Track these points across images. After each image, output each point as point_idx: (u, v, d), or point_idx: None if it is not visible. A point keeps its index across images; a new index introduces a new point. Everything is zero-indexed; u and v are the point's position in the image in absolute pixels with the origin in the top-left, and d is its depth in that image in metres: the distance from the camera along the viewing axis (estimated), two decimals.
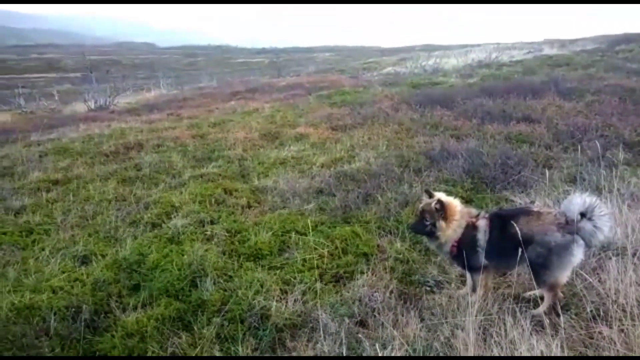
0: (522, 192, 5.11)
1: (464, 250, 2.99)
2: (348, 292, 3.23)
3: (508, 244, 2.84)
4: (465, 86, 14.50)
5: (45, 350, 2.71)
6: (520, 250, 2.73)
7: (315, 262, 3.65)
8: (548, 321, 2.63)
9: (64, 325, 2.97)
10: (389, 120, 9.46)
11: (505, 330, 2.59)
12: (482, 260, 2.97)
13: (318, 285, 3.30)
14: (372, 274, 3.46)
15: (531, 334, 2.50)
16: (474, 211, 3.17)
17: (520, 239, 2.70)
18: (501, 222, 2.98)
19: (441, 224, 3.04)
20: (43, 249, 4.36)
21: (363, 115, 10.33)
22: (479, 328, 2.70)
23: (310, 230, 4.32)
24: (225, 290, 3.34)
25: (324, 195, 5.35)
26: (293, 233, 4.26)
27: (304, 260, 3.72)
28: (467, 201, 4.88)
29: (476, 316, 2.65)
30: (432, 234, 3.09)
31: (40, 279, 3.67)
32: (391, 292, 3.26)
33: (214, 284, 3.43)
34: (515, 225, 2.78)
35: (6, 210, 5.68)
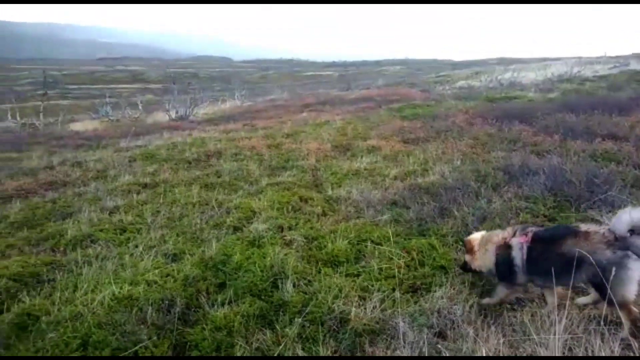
0: (610, 212, 4.85)
1: (501, 269, 3.19)
2: (426, 303, 3.24)
3: (556, 263, 2.86)
4: (545, 101, 13.94)
5: (144, 337, 2.96)
6: (572, 269, 2.78)
7: (392, 271, 3.70)
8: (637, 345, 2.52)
9: (159, 315, 3.23)
10: (464, 135, 9.31)
11: (593, 352, 2.50)
12: (520, 275, 3.11)
13: (396, 294, 3.34)
14: (451, 287, 3.44)
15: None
16: (498, 232, 3.33)
17: (569, 258, 2.79)
18: (546, 241, 3.04)
19: (467, 257, 3.40)
20: (136, 246, 4.73)
21: (436, 129, 10.23)
22: (564, 347, 2.62)
23: (386, 241, 4.38)
24: (305, 293, 3.47)
25: (398, 207, 5.38)
26: (369, 242, 4.33)
27: (381, 269, 3.77)
28: (549, 219, 4.72)
29: (561, 335, 2.59)
30: (470, 269, 3.43)
31: (136, 273, 4.00)
32: (471, 306, 3.23)
33: (294, 286, 3.57)
34: (562, 245, 2.89)
35: (102, 210, 6.21)
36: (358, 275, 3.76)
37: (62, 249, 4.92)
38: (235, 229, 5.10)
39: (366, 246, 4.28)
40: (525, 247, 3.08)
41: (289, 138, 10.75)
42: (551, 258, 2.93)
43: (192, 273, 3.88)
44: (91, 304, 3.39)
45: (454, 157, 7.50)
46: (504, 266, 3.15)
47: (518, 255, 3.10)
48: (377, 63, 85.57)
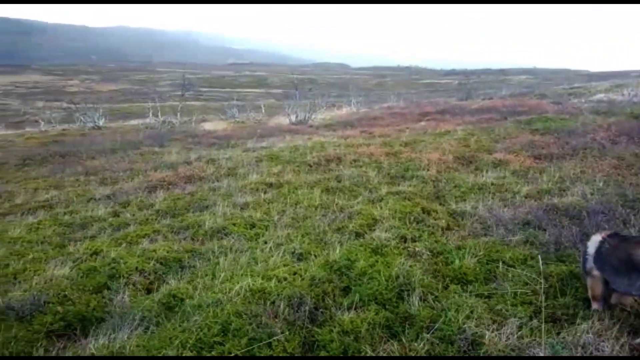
0: None
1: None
2: (569, 336, 2.97)
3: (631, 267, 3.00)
4: None
5: (277, 330, 3.10)
6: None
7: (529, 297, 3.45)
8: None
9: (290, 312, 3.36)
10: (606, 153, 8.41)
11: None
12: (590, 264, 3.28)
13: (534, 322, 3.11)
14: (598, 322, 3.11)
15: None
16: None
17: None
18: (624, 244, 3.17)
19: None
20: (265, 242, 5.00)
21: (572, 146, 9.38)
22: None
23: (519, 263, 4.11)
24: (432, 309, 3.38)
25: (531, 228, 5.01)
26: (500, 263, 4.09)
27: (516, 293, 3.54)
28: None
29: None
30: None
31: (267, 268, 4.22)
32: (621, 345, 2.90)
33: (421, 300, 3.49)
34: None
35: (234, 205, 6.68)
36: (489, 297, 3.57)
37: (200, 238, 5.38)
38: (357, 234, 5.15)
39: (497, 267, 4.05)
40: (597, 245, 3.16)
41: (408, 147, 10.62)
42: (629, 260, 2.95)
43: (318, 274, 3.98)
44: (229, 292, 3.64)
45: (595, 178, 6.81)
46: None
47: (591, 252, 3.18)
48: (501, 72, 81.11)
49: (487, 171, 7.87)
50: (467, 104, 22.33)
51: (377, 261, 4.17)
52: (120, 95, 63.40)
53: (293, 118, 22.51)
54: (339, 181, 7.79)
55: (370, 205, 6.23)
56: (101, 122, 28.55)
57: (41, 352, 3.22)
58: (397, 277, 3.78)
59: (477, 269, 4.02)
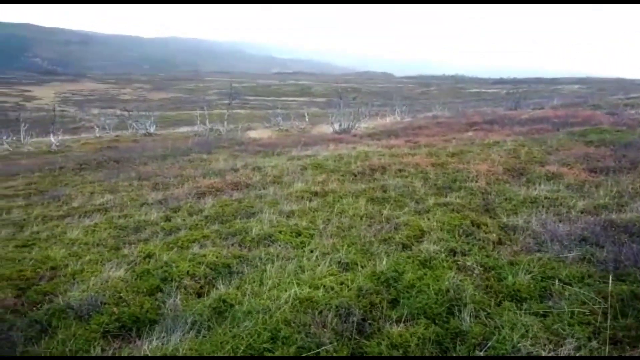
0: None
1: None
2: None
3: None
4: None
5: (326, 340, 3.10)
6: None
7: (587, 317, 3.30)
8: None
9: (338, 322, 3.36)
10: None
11: None
12: None
13: (593, 344, 2.97)
14: None
15: None
16: None
17: None
18: None
19: None
20: (312, 251, 5.02)
21: (630, 159, 8.93)
22: None
23: (576, 281, 3.94)
24: (484, 325, 3.28)
25: (588, 245, 4.79)
26: (556, 280, 3.93)
27: (573, 312, 3.39)
28: None
29: None
30: None
31: (313, 276, 4.24)
32: None
33: (473, 316, 3.40)
34: None
35: (280, 213, 6.75)
36: (545, 316, 3.43)
37: (247, 245, 5.47)
38: (404, 246, 5.09)
39: (553, 284, 3.89)
40: None
41: (455, 157, 10.42)
42: None
43: (365, 285, 3.96)
44: (277, 300, 3.68)
45: None
46: None
47: None
48: (552, 81, 78.40)
49: (539, 184, 7.60)
50: (516, 113, 21.71)
51: (425, 274, 4.10)
52: (170, 103, 65.71)
53: (337, 127, 22.60)
54: (385, 191, 7.74)
55: (417, 216, 6.15)
56: (152, 129, 29.66)
57: (98, 352, 3.35)
58: (447, 291, 3.70)
59: (532, 286, 3.88)
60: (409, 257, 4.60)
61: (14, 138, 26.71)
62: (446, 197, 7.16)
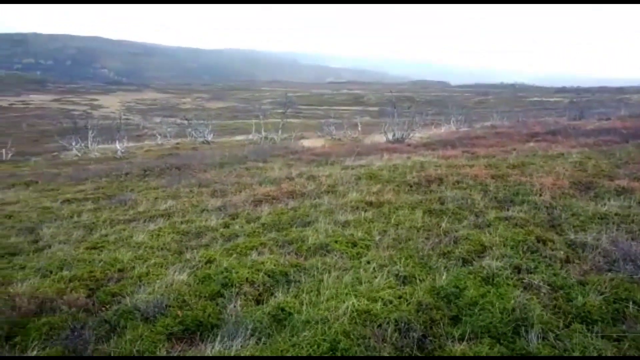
0: None
1: None
2: None
3: None
4: None
5: (385, 354, 3.06)
6: None
7: None
8: None
9: (398, 337, 3.30)
10: None
11: None
12: None
13: None
14: None
15: None
16: None
17: None
18: None
19: None
20: (368, 262, 4.98)
21: None
22: None
23: None
24: (553, 347, 3.12)
25: None
26: (630, 303, 3.68)
27: None
28: None
29: None
30: None
31: (371, 289, 4.20)
32: None
33: (540, 337, 3.24)
34: None
35: (335, 222, 6.76)
36: (619, 340, 3.22)
37: (303, 254, 5.51)
38: (465, 261, 4.94)
39: (627, 307, 3.64)
40: None
41: (516, 169, 10.03)
42: None
43: (424, 299, 3.88)
44: (335, 311, 3.67)
45: None
46: None
47: None
48: (619, 90, 74.06)
49: (608, 199, 7.17)
50: (580, 124, 20.68)
51: (488, 291, 3.96)
52: (227, 112, 67.80)
53: (390, 136, 22.43)
54: (442, 203, 7.57)
55: (477, 230, 5.96)
56: (210, 137, 30.69)
57: (163, 353, 3.48)
58: (513, 310, 3.55)
59: (603, 307, 3.65)
60: (470, 273, 4.46)
61: (83, 144, 28.44)
62: (508, 210, 6.90)
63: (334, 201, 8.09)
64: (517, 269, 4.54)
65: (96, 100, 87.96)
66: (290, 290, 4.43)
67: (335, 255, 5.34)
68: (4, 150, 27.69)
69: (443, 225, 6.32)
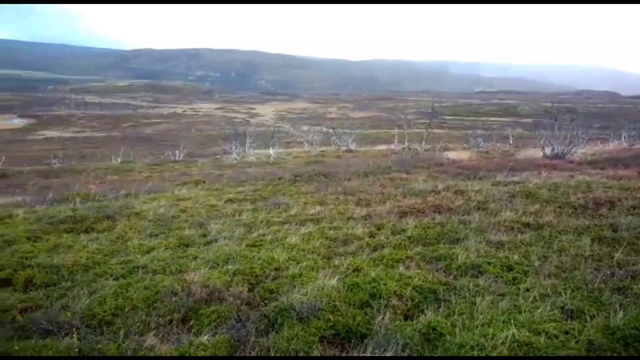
0: None
1: None
2: None
3: None
4: None
5: None
6: None
7: None
8: None
9: None
10: None
11: None
12: None
13: None
14: None
15: None
16: None
17: None
18: None
19: None
20: (527, 290, 4.60)
21: None
22: None
23: None
24: None
25: None
26: None
27: None
28: None
29: None
30: None
31: (531, 320, 3.87)
32: None
33: None
34: None
35: (487, 242, 6.40)
36: None
37: (453, 272, 5.32)
38: None
39: None
40: None
41: None
42: None
43: (596, 339, 3.45)
44: (492, 339, 3.46)
45: None
46: None
47: None
48: None
49: None
50: None
51: None
52: (370, 122, 68.94)
53: (548, 151, 20.53)
54: (614, 230, 6.67)
55: None
56: (353, 146, 31.48)
57: (317, 354, 3.64)
58: None
59: None
60: None
61: (241, 149, 31.36)
62: None
63: (484, 219, 7.67)
64: None
65: (253, 109, 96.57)
66: (440, 309, 4.30)
67: (489, 278, 5.05)
68: (177, 152, 31.85)
69: (616, 256, 5.57)
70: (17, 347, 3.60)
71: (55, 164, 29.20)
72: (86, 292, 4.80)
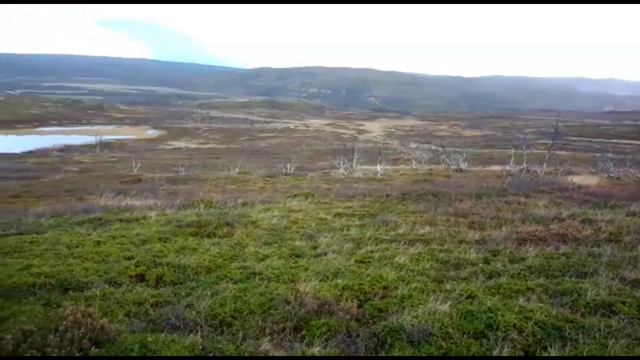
0: None
1: None
2: None
3: None
4: None
5: None
6: None
7: None
8: None
9: None
10: None
11: None
12: None
13: None
14: None
15: None
16: None
17: None
18: None
19: None
20: None
21: None
22: None
23: None
24: None
25: None
26: None
27: None
28: None
29: None
30: None
31: None
32: None
33: None
34: None
35: (620, 279, 5.75)
36: None
37: (580, 309, 4.85)
38: None
39: None
40: None
41: None
42: None
43: None
44: None
45: None
46: None
47: None
48: None
49: None
50: None
51: None
52: (483, 141, 65.87)
53: None
54: None
55: None
56: (464, 166, 30.28)
57: None
58: None
59: None
60: None
61: (348, 164, 31.77)
62: None
63: (617, 253, 6.91)
64: None
65: (362, 125, 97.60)
66: (567, 349, 3.94)
67: (623, 319, 4.53)
68: (288, 165, 33.23)
69: None
70: (150, 339, 3.98)
71: (181, 172, 32.10)
72: (209, 293, 5.19)
